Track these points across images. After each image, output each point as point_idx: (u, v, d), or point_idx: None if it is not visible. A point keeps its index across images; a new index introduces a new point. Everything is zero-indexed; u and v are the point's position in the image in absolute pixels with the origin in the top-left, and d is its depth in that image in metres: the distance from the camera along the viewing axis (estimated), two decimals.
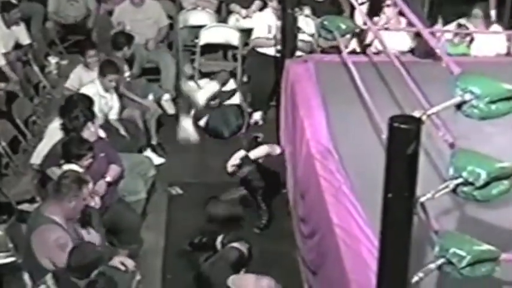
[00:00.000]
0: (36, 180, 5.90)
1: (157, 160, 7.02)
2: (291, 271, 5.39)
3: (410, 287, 3.06)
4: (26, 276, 4.78)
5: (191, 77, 8.57)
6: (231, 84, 7.70)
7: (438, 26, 7.72)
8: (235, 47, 8.68)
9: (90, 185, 4.90)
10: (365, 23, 6.54)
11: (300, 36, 7.14)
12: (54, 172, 5.49)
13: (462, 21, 7.46)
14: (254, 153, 6.54)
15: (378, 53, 6.92)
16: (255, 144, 6.90)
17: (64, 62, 8.66)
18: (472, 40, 7.44)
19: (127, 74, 7.54)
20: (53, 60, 8.52)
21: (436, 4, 8.02)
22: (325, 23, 6.25)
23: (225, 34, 8.67)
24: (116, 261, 4.87)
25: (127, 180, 5.94)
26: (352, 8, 7.81)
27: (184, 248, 5.74)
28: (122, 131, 6.78)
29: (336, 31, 6.12)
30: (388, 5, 7.19)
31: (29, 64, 8.06)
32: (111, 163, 5.73)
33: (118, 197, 5.78)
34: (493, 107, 3.05)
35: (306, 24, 7.79)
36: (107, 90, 6.77)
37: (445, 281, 3.26)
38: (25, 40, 8.13)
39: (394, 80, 5.23)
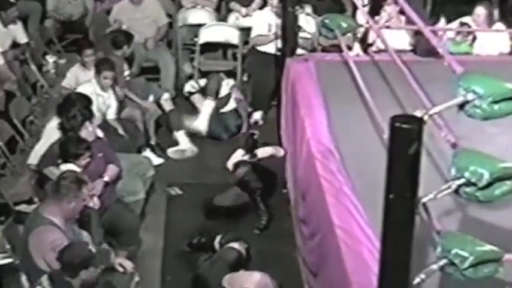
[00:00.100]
0: (34, 180, 5.90)
1: (156, 160, 7.02)
2: (291, 272, 5.39)
3: None
4: (23, 278, 4.78)
5: (191, 76, 8.58)
6: (225, 89, 7.68)
7: (440, 25, 7.72)
8: (235, 46, 8.68)
9: (90, 185, 4.90)
10: (367, 22, 6.54)
11: (301, 34, 7.14)
12: (52, 172, 5.49)
13: (464, 19, 7.46)
14: (260, 152, 6.55)
15: (378, 51, 6.93)
16: (252, 141, 6.92)
17: (62, 61, 8.65)
18: (474, 39, 7.45)
19: (126, 72, 7.54)
20: (50, 59, 8.51)
21: (439, 3, 8.01)
22: (326, 21, 6.25)
23: (225, 33, 8.67)
24: (114, 263, 4.88)
25: (126, 180, 5.94)
26: (354, 7, 7.81)
27: (183, 248, 5.75)
28: (121, 131, 6.78)
29: (337, 30, 6.12)
30: (388, 3, 7.20)
31: (26, 63, 8.05)
32: (109, 163, 5.73)
33: (116, 198, 5.78)
34: (496, 107, 3.05)
35: (307, 22, 7.80)
36: (103, 88, 6.77)
37: (447, 282, 3.26)
38: (22, 39, 8.13)
39: (396, 79, 5.23)
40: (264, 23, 7.94)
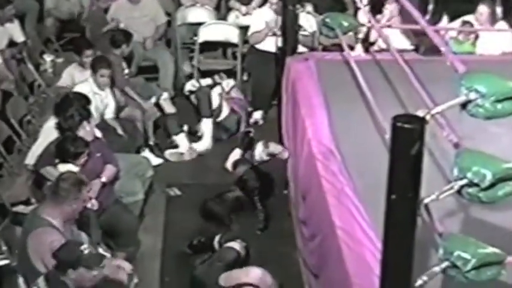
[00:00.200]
0: (31, 181, 5.90)
1: (155, 161, 7.03)
2: (291, 273, 5.39)
3: None
4: (20, 280, 4.78)
5: (190, 76, 8.58)
6: (215, 99, 7.66)
7: (443, 23, 7.73)
8: (235, 45, 8.69)
9: (89, 186, 4.90)
10: (369, 21, 6.54)
11: (302, 32, 7.14)
12: (49, 172, 5.49)
13: (467, 18, 7.47)
14: (272, 148, 6.56)
15: (380, 50, 6.93)
16: (247, 139, 6.94)
17: (59, 60, 8.66)
18: (477, 37, 7.45)
19: (125, 71, 7.54)
20: (48, 58, 8.52)
21: (441, 1, 8.01)
22: (327, 20, 6.24)
23: (225, 31, 8.67)
24: (112, 264, 4.87)
25: (124, 181, 5.94)
26: (356, 5, 7.82)
27: (182, 250, 5.75)
28: (120, 131, 6.78)
29: (338, 29, 6.12)
30: (389, 2, 7.20)
31: (23, 62, 8.05)
32: (106, 163, 5.73)
33: (115, 198, 5.78)
34: (499, 106, 3.05)
35: (307, 21, 7.79)
36: (100, 87, 6.77)
37: (449, 284, 3.26)
38: (19, 37, 8.12)
39: (398, 79, 5.23)
40: (261, 20, 7.94)
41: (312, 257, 5.04)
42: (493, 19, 7.52)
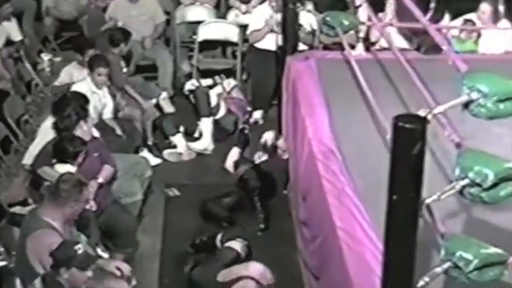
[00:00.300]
0: (28, 181, 5.90)
1: (154, 161, 7.03)
2: (292, 274, 5.40)
3: None
4: (17, 282, 4.78)
5: (189, 75, 8.58)
6: (213, 98, 7.65)
7: (445, 22, 7.73)
8: (234, 44, 8.69)
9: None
10: (369, 19, 6.55)
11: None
12: (46, 172, 5.50)
13: (469, 16, 7.47)
14: (279, 143, 6.58)
15: (381, 49, 6.93)
16: (243, 136, 6.95)
17: (57, 59, 8.66)
18: (479, 35, 7.45)
19: (124, 70, 7.55)
20: (45, 57, 8.53)
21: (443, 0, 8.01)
22: (328, 18, 6.25)
23: (224, 30, 8.68)
24: (111, 266, 4.88)
25: (123, 181, 5.95)
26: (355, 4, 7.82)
27: (182, 250, 5.75)
28: (118, 131, 6.79)
29: (339, 27, 6.12)
30: (390, 2, 7.20)
31: (20, 61, 8.05)
32: (104, 163, 5.74)
33: (113, 199, 5.78)
34: (501, 106, 3.05)
35: (308, 19, 7.80)
36: (98, 86, 6.78)
37: (451, 285, 3.27)
38: (17, 36, 8.13)
39: (399, 78, 5.24)
40: (260, 18, 7.94)
41: (312, 258, 5.04)
42: (495, 17, 7.51)
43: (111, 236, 5.65)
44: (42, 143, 5.84)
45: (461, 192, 2.96)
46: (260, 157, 6.76)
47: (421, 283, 3.05)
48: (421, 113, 3.05)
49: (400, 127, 2.86)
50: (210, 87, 7.85)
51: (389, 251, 3.06)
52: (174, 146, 7.35)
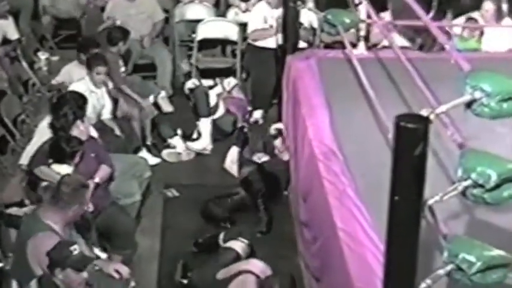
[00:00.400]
0: (25, 182, 5.90)
1: (153, 160, 7.03)
2: (292, 276, 5.39)
3: None
4: (14, 284, 4.78)
5: (188, 74, 8.58)
6: (213, 98, 7.64)
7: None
8: (234, 43, 8.68)
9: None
10: (369, 17, 6.54)
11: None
12: (43, 172, 5.49)
13: (472, 15, 7.47)
14: (276, 143, 6.58)
15: (382, 48, 6.93)
16: (242, 135, 6.94)
17: (54, 58, 8.67)
18: (482, 33, 7.45)
19: (122, 69, 7.55)
20: (42, 56, 8.53)
21: None
22: (329, 17, 6.25)
23: (224, 29, 8.68)
24: (110, 269, 4.88)
25: (121, 182, 5.95)
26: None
27: (181, 252, 5.74)
28: (117, 131, 6.78)
29: (340, 26, 6.12)
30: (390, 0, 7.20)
31: (17, 60, 8.06)
32: (101, 163, 5.73)
33: (111, 200, 5.78)
34: (505, 105, 3.05)
35: (308, 18, 7.79)
36: (96, 85, 6.77)
37: None
38: (13, 35, 8.13)
39: (401, 77, 5.23)
40: (259, 16, 7.94)
41: (313, 259, 5.04)
42: (498, 16, 7.52)
43: (110, 237, 5.64)
44: (39, 143, 5.83)
45: (463, 193, 2.96)
46: (260, 158, 6.76)
47: (423, 285, 3.05)
48: (424, 112, 3.04)
49: (402, 127, 2.86)
50: (210, 87, 7.84)
51: (391, 253, 3.05)
52: (173, 146, 7.34)
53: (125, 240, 5.75)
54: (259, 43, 7.95)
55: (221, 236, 5.58)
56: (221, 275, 5.13)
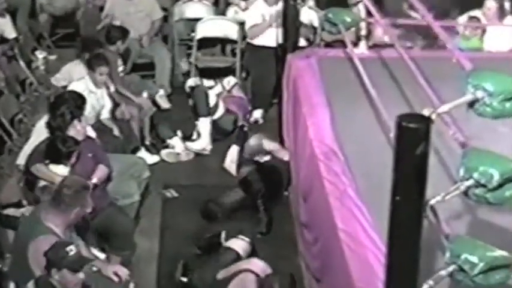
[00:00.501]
0: (23, 182, 5.90)
1: (152, 159, 7.03)
2: (292, 275, 5.40)
3: None
4: (12, 286, 4.78)
5: (187, 73, 8.58)
6: (212, 98, 7.63)
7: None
8: (234, 41, 8.68)
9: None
10: (369, 15, 6.55)
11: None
12: (40, 170, 5.49)
13: (474, 13, 7.48)
14: (268, 145, 6.57)
15: (384, 46, 6.93)
16: (242, 134, 6.94)
17: (52, 57, 8.67)
18: (484, 31, 7.46)
19: (120, 69, 7.55)
20: (40, 55, 8.52)
21: None
22: (330, 15, 6.25)
23: (223, 27, 8.67)
24: (108, 271, 4.89)
25: (120, 182, 5.95)
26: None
27: (180, 253, 5.75)
28: (116, 131, 6.78)
29: (341, 24, 6.12)
30: None
31: (15, 59, 8.05)
32: (98, 164, 5.73)
33: (110, 201, 5.78)
34: (507, 105, 3.06)
35: (309, 16, 7.80)
36: (97, 85, 6.77)
37: None
38: (11, 34, 8.13)
39: (403, 76, 5.24)
40: (257, 14, 7.94)
41: (314, 260, 5.05)
42: (501, 14, 7.53)
43: (108, 238, 5.65)
44: (36, 143, 5.83)
45: (466, 193, 2.96)
46: (261, 157, 6.75)
47: (425, 286, 3.05)
48: (425, 112, 3.05)
49: (404, 127, 2.87)
50: (210, 87, 7.84)
51: (392, 254, 3.06)
52: (172, 147, 7.34)
53: (124, 241, 5.75)
54: (259, 42, 7.95)
55: (223, 234, 5.57)
56: (221, 275, 5.14)
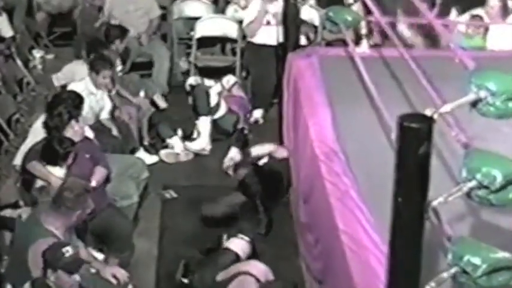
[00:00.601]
0: (20, 182, 5.91)
1: (150, 159, 7.03)
2: (293, 279, 5.40)
3: None
4: (8, 287, 4.79)
5: (187, 73, 8.58)
6: (214, 97, 7.63)
7: (452, 17, 7.74)
8: (234, 40, 8.69)
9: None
10: (367, 12, 6.55)
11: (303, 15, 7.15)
12: (36, 168, 5.49)
13: (477, 11, 7.48)
14: (256, 150, 6.56)
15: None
16: (242, 137, 6.92)
17: (49, 56, 8.67)
18: (487, 30, 7.47)
19: (119, 68, 7.55)
20: (37, 54, 8.53)
21: None
22: (331, 14, 6.25)
23: (223, 26, 8.68)
24: (107, 273, 4.89)
25: (118, 183, 5.95)
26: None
27: (179, 255, 5.75)
28: (115, 132, 6.78)
29: (342, 23, 6.13)
30: None
31: (11, 58, 8.06)
32: (96, 165, 5.73)
33: (108, 202, 5.78)
34: (511, 104, 3.06)
35: (310, 15, 7.81)
36: (97, 87, 6.77)
37: None
38: (7, 32, 8.13)
39: (405, 76, 5.24)
40: (255, 11, 7.94)
41: (315, 262, 5.05)
42: (504, 12, 7.53)
43: (106, 240, 5.65)
44: (33, 143, 5.83)
45: (468, 194, 2.96)
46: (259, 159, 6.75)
47: None
48: (427, 112, 3.05)
49: (406, 127, 2.87)
50: (209, 87, 7.84)
51: (394, 256, 3.06)
52: (171, 147, 7.34)
53: (122, 243, 5.75)
54: (259, 40, 7.95)
55: (224, 237, 5.56)
56: (220, 276, 5.13)
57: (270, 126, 7.53)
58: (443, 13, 7.67)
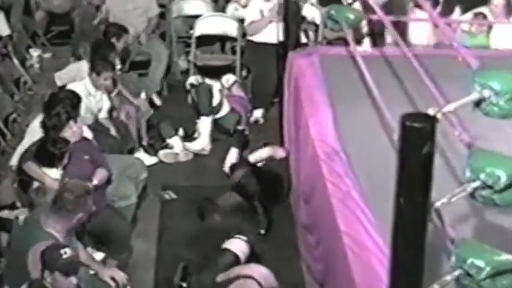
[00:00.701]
0: (17, 183, 5.90)
1: (149, 160, 7.03)
2: (294, 281, 5.39)
3: None
4: None
5: (186, 72, 8.58)
6: (216, 97, 7.61)
7: (455, 16, 7.74)
8: (233, 39, 8.68)
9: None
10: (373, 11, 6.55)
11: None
12: (30, 167, 5.48)
13: (480, 10, 7.48)
14: (254, 156, 6.55)
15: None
16: (242, 138, 6.91)
17: (47, 55, 8.67)
18: (490, 28, 7.46)
19: (118, 67, 7.55)
20: (34, 52, 8.53)
21: None
22: (332, 12, 6.25)
23: (223, 24, 8.67)
24: (105, 275, 4.88)
25: (117, 184, 5.94)
26: None
27: (178, 257, 5.74)
28: (113, 131, 6.77)
29: (344, 22, 6.12)
30: None
31: (8, 57, 8.05)
32: (96, 166, 5.72)
33: (106, 203, 5.77)
34: None
35: (311, 13, 7.80)
36: (97, 88, 6.76)
37: None
38: (4, 31, 8.12)
39: (407, 75, 5.24)
40: (255, 10, 7.94)
41: (316, 264, 5.05)
42: (508, 11, 7.52)
43: (104, 241, 5.64)
44: (30, 143, 5.83)
45: (472, 194, 2.96)
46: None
47: None
48: (430, 111, 3.04)
49: (408, 126, 2.86)
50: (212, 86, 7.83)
51: (396, 257, 3.05)
52: (171, 147, 7.34)
53: (120, 244, 5.75)
54: (260, 38, 7.94)
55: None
56: (220, 278, 5.12)
57: (270, 126, 7.53)
58: (447, 11, 7.67)
